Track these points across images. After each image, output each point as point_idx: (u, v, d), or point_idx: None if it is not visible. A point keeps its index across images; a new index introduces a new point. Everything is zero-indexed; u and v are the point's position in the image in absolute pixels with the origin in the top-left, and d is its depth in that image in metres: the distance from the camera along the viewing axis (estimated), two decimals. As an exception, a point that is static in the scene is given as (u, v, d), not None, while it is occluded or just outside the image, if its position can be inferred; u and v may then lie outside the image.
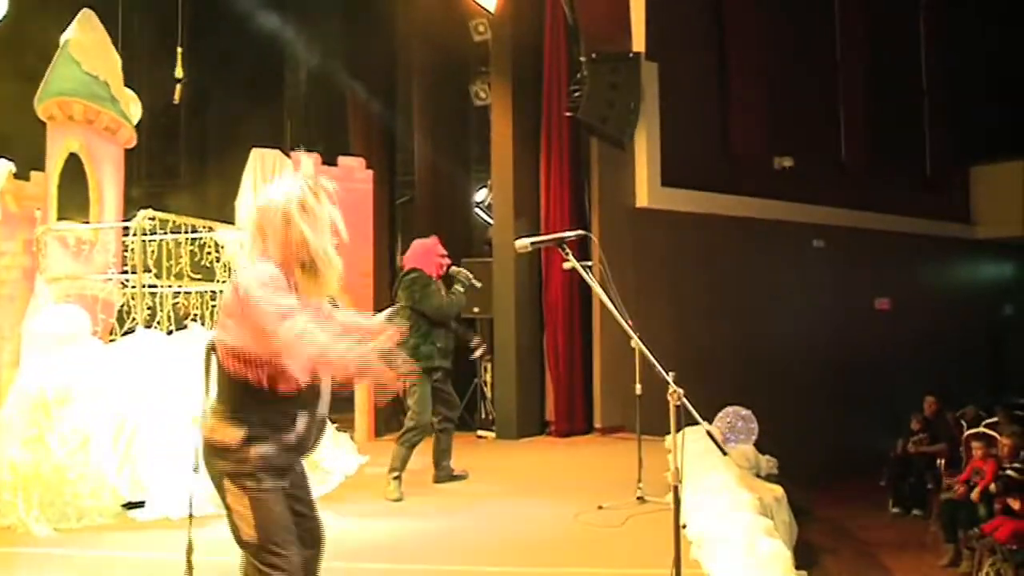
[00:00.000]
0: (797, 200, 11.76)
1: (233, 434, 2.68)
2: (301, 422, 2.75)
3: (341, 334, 2.77)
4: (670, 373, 2.95)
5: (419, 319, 6.39)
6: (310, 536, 2.88)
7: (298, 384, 2.72)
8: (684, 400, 2.85)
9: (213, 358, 2.77)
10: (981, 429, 8.77)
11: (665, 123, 9.94)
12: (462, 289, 6.62)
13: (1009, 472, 7.47)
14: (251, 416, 2.69)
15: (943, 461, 9.72)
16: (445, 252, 6.73)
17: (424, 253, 6.62)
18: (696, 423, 3.06)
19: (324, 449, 7.32)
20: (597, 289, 3.60)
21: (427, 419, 6.42)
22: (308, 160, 2.36)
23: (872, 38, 13.36)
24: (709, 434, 2.89)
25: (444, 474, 6.76)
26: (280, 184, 2.83)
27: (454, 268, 6.75)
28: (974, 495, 7.70)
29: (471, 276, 6.72)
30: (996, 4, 14.23)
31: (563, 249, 3.72)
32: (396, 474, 6.27)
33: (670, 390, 2.89)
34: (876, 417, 11.41)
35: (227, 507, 2.73)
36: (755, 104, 11.50)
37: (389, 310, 3.15)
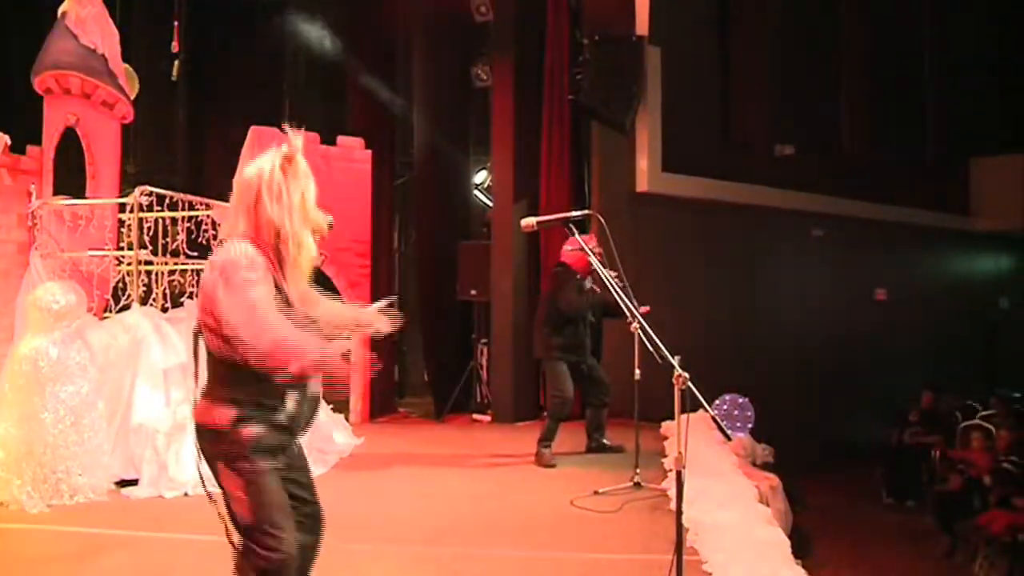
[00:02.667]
0: (797, 188, 11.70)
1: (223, 415, 2.65)
2: (291, 401, 2.71)
3: (311, 324, 2.73)
4: (676, 357, 2.91)
5: (554, 311, 6.76)
6: (310, 522, 2.85)
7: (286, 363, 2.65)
8: (690, 385, 2.81)
9: (200, 341, 2.72)
10: (978, 421, 8.77)
11: (666, 108, 9.87)
12: (598, 288, 6.80)
13: (1005, 465, 7.47)
14: (240, 396, 2.66)
15: (938, 452, 9.72)
16: (589, 249, 6.73)
17: (575, 248, 6.68)
18: (694, 409, 3.03)
19: (319, 431, 7.29)
20: (601, 270, 3.55)
21: (568, 394, 6.80)
22: (297, 136, 2.29)
23: (874, 26, 13.28)
24: (714, 419, 2.86)
25: (595, 444, 7.17)
26: (257, 159, 2.74)
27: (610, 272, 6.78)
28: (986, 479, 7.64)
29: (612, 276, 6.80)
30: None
31: (569, 229, 3.67)
32: (546, 443, 6.74)
33: (676, 374, 2.84)
34: (872, 407, 11.42)
35: (223, 490, 2.70)
36: (757, 91, 11.44)
37: (384, 301, 3.09)
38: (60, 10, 7.22)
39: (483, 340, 9.79)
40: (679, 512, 3.07)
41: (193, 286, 7.24)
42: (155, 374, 6.09)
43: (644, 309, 6.91)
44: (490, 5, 9.70)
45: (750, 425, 8.06)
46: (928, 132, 14.46)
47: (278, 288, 2.68)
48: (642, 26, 9.56)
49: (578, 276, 6.79)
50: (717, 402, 8.05)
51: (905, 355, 12.30)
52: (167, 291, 7.09)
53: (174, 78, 9.59)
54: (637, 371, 5.84)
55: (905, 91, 13.90)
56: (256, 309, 2.55)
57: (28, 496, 5.40)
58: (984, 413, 9.52)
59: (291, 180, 2.69)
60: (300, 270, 2.75)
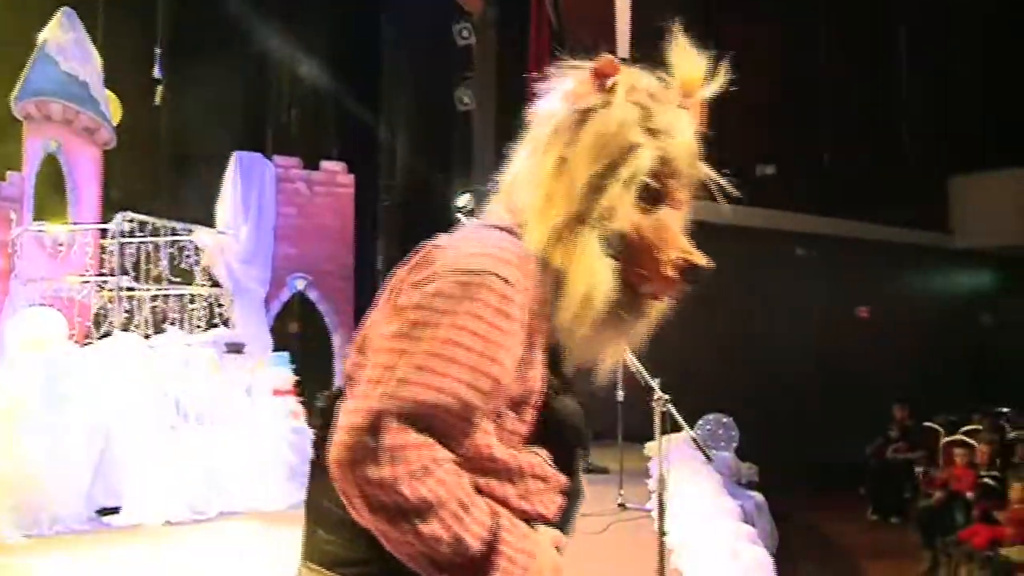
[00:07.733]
0: (778, 208, 11.80)
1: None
2: None
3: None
4: (655, 379, 2.93)
5: None
6: None
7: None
8: (670, 407, 2.83)
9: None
10: (959, 436, 8.80)
11: (648, 130, 9.95)
12: None
13: (987, 480, 7.50)
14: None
15: (921, 468, 9.75)
16: None
17: None
18: (677, 429, 3.04)
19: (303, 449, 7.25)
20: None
21: None
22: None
23: (855, 47, 13.44)
24: (694, 440, 2.87)
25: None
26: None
27: None
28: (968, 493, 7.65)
29: None
30: (978, 15, 14.34)
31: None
32: None
33: (655, 396, 2.86)
34: (856, 424, 11.44)
35: None
36: (738, 111, 11.54)
37: None
38: (41, 37, 7.23)
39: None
40: (661, 534, 3.07)
41: (176, 312, 7.21)
42: (137, 402, 6.05)
43: None
44: (472, 29, 9.77)
45: (734, 444, 8.08)
46: (908, 151, 14.60)
47: (552, 357, 1.30)
48: (623, 48, 9.63)
49: None
50: (700, 421, 8.05)
51: (889, 372, 12.36)
52: (149, 317, 7.06)
53: (157, 103, 9.60)
54: (620, 392, 5.84)
55: (885, 109, 14.06)
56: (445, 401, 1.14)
57: (6, 526, 5.33)
58: (966, 428, 9.55)
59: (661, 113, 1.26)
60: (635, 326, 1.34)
